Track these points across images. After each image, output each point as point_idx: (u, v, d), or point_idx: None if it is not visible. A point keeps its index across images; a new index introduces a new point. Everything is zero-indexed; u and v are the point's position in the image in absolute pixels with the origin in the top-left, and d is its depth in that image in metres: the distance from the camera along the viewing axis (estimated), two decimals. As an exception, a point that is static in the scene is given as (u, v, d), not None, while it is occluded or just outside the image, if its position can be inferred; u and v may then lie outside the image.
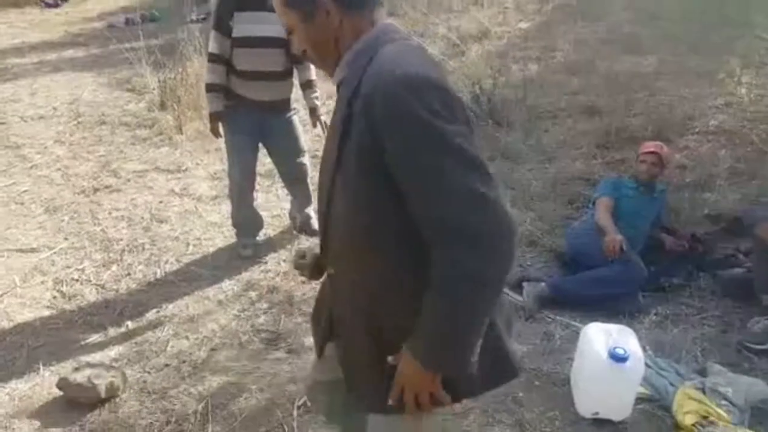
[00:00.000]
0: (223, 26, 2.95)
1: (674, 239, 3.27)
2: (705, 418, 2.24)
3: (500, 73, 5.15)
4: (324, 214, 1.30)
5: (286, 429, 2.22)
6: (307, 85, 3.28)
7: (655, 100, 4.81)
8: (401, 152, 1.11)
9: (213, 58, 3.02)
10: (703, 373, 2.49)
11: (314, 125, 3.40)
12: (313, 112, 3.32)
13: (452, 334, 1.13)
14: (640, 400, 2.35)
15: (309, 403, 2.11)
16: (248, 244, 3.39)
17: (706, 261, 3.21)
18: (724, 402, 2.29)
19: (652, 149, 3.24)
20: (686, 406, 2.28)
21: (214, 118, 3.09)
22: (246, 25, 2.93)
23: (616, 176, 3.63)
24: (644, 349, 2.63)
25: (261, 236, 3.53)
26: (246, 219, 3.39)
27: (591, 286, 2.91)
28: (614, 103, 4.79)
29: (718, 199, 3.71)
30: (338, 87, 1.26)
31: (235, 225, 3.42)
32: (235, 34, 2.94)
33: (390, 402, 1.23)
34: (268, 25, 2.88)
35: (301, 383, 2.33)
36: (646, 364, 2.48)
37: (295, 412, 2.27)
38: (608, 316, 2.72)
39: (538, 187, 4.03)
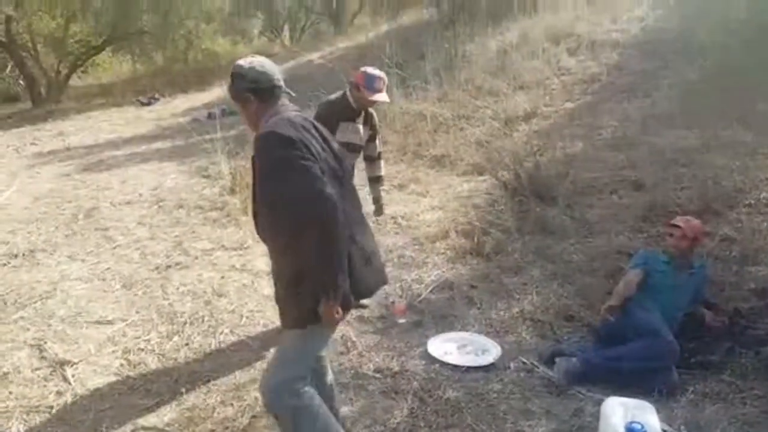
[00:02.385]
0: None
1: (714, 314, 3.22)
2: (734, 499, 2.19)
3: (543, 150, 5.31)
4: (255, 214, 2.22)
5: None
6: (376, 180, 3.92)
7: (702, 173, 4.78)
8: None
9: None
10: (736, 453, 2.43)
11: (377, 212, 3.96)
12: (377, 201, 3.94)
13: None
14: (668, 478, 2.33)
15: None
16: None
17: (749, 337, 3.13)
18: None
19: (675, 223, 3.28)
20: (715, 486, 2.23)
21: None
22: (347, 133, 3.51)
23: (650, 250, 3.65)
24: (678, 428, 2.61)
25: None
26: None
27: (622, 361, 2.92)
28: (659, 178, 4.81)
29: (766, 273, 3.62)
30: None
31: None
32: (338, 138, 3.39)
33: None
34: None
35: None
36: (675, 442, 2.46)
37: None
38: (642, 393, 2.71)
39: (579, 261, 4.09)
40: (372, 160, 3.87)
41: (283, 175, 1.97)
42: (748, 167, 4.73)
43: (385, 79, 3.51)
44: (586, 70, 7.79)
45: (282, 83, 2.18)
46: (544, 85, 7.57)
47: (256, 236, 5.27)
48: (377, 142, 3.83)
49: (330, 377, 2.47)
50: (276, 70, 2.19)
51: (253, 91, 2.13)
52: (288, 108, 2.16)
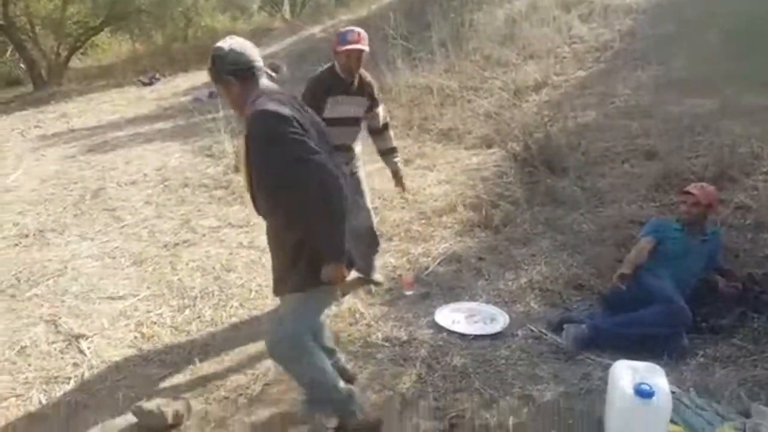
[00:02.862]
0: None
1: (727, 281, 3.21)
2: (744, 459, 2.20)
3: (553, 120, 5.24)
4: (251, 190, 2.23)
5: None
6: (389, 152, 3.71)
7: (718, 140, 4.68)
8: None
9: None
10: (746, 414, 2.44)
11: (398, 185, 3.78)
12: (396, 173, 3.74)
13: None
14: (677, 440, 2.34)
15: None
16: None
17: (762, 302, 3.12)
18: (764, 443, 2.23)
19: (688, 190, 3.25)
20: (724, 446, 2.25)
21: None
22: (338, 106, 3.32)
23: (662, 218, 3.63)
24: (688, 390, 2.62)
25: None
26: None
27: (631, 327, 2.93)
28: (674, 146, 4.74)
29: (780, 239, 3.59)
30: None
31: None
32: (328, 114, 3.19)
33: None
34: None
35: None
36: (685, 404, 2.48)
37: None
38: (651, 358, 2.70)
39: (590, 231, 4.07)
40: (378, 132, 3.65)
41: (280, 150, 2.04)
42: (766, 133, 4.63)
43: (361, 32, 3.29)
44: (599, 37, 7.55)
45: (261, 63, 2.22)
46: (555, 53, 7.38)
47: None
48: (380, 111, 3.59)
49: (328, 334, 2.69)
50: (255, 51, 2.23)
51: (233, 74, 2.17)
52: (271, 88, 2.21)
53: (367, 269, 3.73)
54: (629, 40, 7.30)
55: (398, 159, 3.77)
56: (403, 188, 3.85)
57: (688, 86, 5.83)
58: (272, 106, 2.07)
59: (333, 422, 2.47)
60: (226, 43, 2.21)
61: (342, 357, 2.78)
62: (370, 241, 3.72)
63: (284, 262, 2.26)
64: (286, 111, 2.08)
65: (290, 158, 2.03)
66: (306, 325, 2.32)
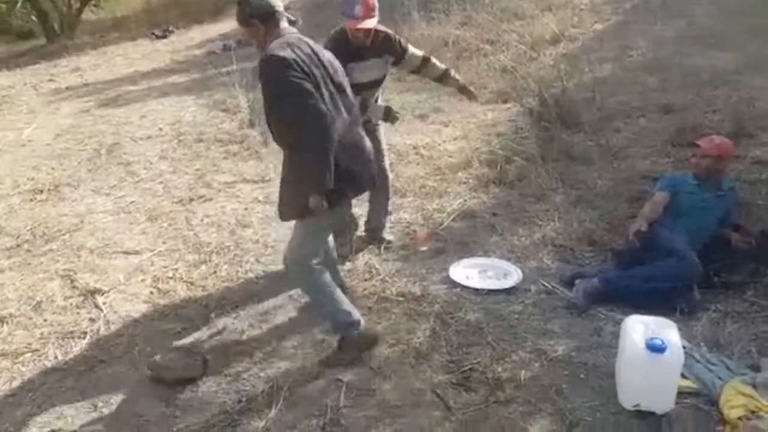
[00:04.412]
0: None
1: (741, 236, 3.17)
2: (753, 413, 2.22)
3: (570, 75, 5.13)
4: (266, 121, 2.55)
5: (333, 410, 2.47)
6: (444, 76, 3.50)
7: (736, 95, 4.59)
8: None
9: None
10: (756, 368, 2.45)
11: (471, 97, 3.62)
12: (463, 88, 3.56)
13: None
14: (687, 394, 2.36)
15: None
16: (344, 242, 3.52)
17: (775, 258, 3.09)
18: (775, 397, 2.25)
19: (696, 142, 3.19)
20: (734, 400, 2.26)
21: None
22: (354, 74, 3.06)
23: (678, 173, 3.57)
24: (698, 345, 2.63)
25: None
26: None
27: (642, 281, 2.92)
28: (691, 100, 4.64)
29: (797, 195, 3.53)
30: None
31: None
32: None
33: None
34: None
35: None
36: (695, 358, 2.50)
37: (342, 397, 2.53)
38: (662, 312, 2.70)
39: (604, 186, 4.04)
40: (421, 68, 3.44)
41: (279, 89, 2.37)
42: (785, 88, 4.53)
43: (369, 1, 3.02)
44: (617, -12, 7.37)
45: (282, 8, 2.52)
46: (573, 5, 7.21)
47: (277, 169, 5.32)
48: (411, 53, 3.35)
49: (333, 255, 3.03)
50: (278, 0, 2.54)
51: (258, 17, 2.46)
52: (289, 30, 2.52)
53: (378, 227, 3.74)
54: (649, -9, 7.10)
55: (456, 76, 3.57)
56: (474, 97, 3.66)
57: (707, 40, 5.70)
58: (278, 51, 2.37)
59: (336, 337, 2.77)
60: None
61: (342, 270, 3.21)
62: (384, 200, 3.70)
63: (286, 191, 2.63)
64: (288, 53, 2.36)
65: (286, 97, 2.36)
66: (311, 247, 2.67)
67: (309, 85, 2.36)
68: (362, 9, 3.02)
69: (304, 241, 2.66)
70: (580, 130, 4.67)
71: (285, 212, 2.68)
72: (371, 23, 3.07)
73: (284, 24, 2.52)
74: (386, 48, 3.29)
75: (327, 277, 2.72)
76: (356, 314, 2.75)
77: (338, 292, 2.75)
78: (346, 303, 2.75)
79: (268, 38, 2.47)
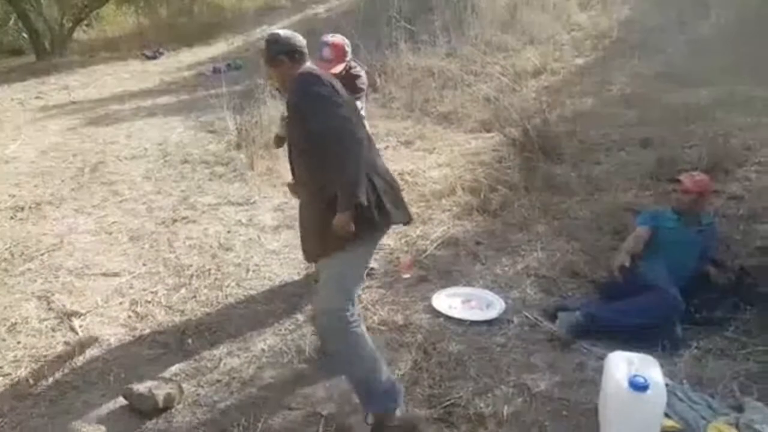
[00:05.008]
0: None
1: (720, 271, 3.20)
2: (735, 453, 2.21)
3: (551, 106, 5.22)
4: (290, 160, 2.56)
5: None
6: None
7: (712, 130, 4.70)
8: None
9: None
10: (739, 409, 2.44)
11: None
12: None
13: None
14: (669, 432, 2.34)
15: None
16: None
17: (755, 294, 3.12)
18: (757, 439, 2.24)
19: (678, 178, 3.23)
20: (717, 440, 2.25)
21: None
22: None
23: (658, 207, 3.61)
24: (680, 382, 2.62)
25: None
26: None
27: (625, 316, 2.92)
28: (669, 135, 4.73)
29: (774, 231, 3.59)
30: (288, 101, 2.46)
31: None
32: None
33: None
34: None
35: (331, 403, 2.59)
36: (678, 397, 2.48)
37: (321, 430, 2.47)
38: (645, 348, 2.70)
39: (586, 218, 4.07)
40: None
41: (319, 106, 2.30)
42: (760, 125, 4.65)
43: (337, 44, 3.19)
44: (597, 25, 7.65)
45: (306, 49, 2.53)
46: (554, 40, 7.42)
47: (263, 193, 5.33)
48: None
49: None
50: (301, 39, 2.56)
51: (286, 53, 2.48)
52: (310, 67, 2.51)
53: None
54: (627, 29, 7.38)
55: None
56: None
57: (683, 77, 5.88)
58: (315, 71, 2.42)
59: (370, 417, 2.36)
60: (279, 31, 2.61)
61: None
62: None
63: (319, 223, 2.34)
64: (325, 77, 2.38)
65: (325, 114, 2.28)
66: (346, 292, 2.34)
67: (346, 110, 2.33)
68: (328, 53, 3.16)
69: (337, 283, 2.33)
70: (562, 161, 4.73)
71: (319, 250, 2.43)
72: (336, 68, 3.17)
73: (309, 62, 2.52)
74: (351, 84, 3.26)
75: (366, 334, 2.38)
76: (399, 386, 2.43)
77: (379, 356, 2.41)
78: (386, 370, 2.40)
79: (291, 74, 2.46)
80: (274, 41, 2.51)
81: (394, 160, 5.33)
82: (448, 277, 3.65)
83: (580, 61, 6.90)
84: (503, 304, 3.28)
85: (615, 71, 6.37)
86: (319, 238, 2.38)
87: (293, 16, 12.69)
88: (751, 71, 5.50)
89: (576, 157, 4.75)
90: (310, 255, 2.60)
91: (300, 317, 3.29)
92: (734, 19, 6.57)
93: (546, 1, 8.25)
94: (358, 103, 3.34)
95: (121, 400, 2.67)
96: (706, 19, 6.85)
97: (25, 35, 14.02)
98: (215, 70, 9.40)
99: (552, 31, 7.63)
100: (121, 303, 3.52)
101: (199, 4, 15.67)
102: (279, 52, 2.48)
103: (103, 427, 2.58)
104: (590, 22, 7.75)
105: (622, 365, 2.32)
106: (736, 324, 3.00)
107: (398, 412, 2.35)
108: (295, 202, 4.92)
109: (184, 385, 2.76)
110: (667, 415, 2.33)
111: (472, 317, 3.19)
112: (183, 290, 3.63)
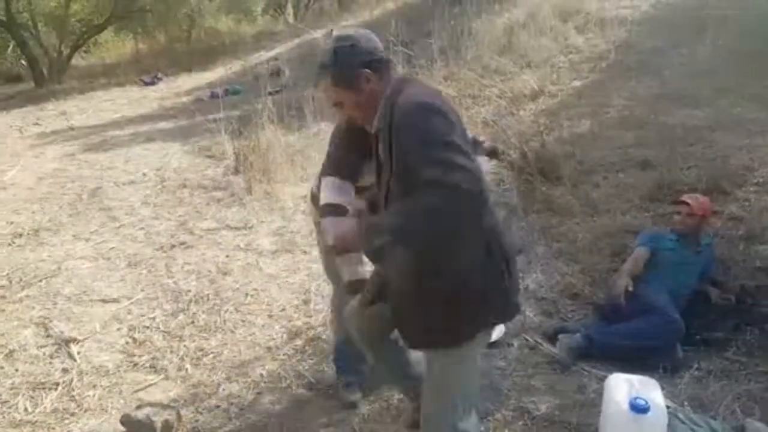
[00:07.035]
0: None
1: (721, 292, 3.20)
2: (738, 476, 2.19)
3: (549, 129, 5.26)
4: (386, 193, 1.74)
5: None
6: None
7: (710, 151, 4.73)
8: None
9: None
10: (741, 430, 2.43)
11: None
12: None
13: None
14: (671, 455, 2.32)
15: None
16: None
17: (755, 315, 3.11)
18: (758, 460, 2.22)
19: (682, 200, 3.25)
20: (718, 462, 2.23)
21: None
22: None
23: (657, 228, 3.62)
24: (682, 404, 2.61)
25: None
26: None
27: (626, 338, 2.91)
28: (667, 156, 4.75)
29: (773, 251, 3.59)
30: (377, 132, 1.72)
31: None
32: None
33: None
34: None
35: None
36: (679, 419, 2.46)
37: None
38: (646, 369, 2.69)
39: (585, 240, 4.06)
40: None
41: (449, 156, 1.51)
42: (758, 145, 4.68)
43: None
44: (594, 48, 7.69)
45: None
46: (552, 63, 7.47)
47: (261, 217, 5.27)
48: None
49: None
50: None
51: (370, 65, 1.69)
52: (403, 77, 1.75)
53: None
54: (624, 52, 7.41)
55: None
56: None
57: (680, 98, 5.91)
58: (424, 98, 1.62)
59: None
60: (351, 30, 1.76)
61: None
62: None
63: (434, 310, 1.73)
64: (453, 117, 1.63)
65: (460, 172, 1.50)
66: (467, 401, 1.85)
67: (474, 166, 1.55)
68: None
69: (461, 387, 1.83)
70: (561, 183, 4.74)
71: (428, 338, 1.81)
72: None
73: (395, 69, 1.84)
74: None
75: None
76: None
77: None
78: None
79: (378, 95, 1.70)
80: (348, 48, 1.69)
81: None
82: (447, 300, 3.63)
83: (577, 83, 6.94)
84: (502, 328, 3.25)
85: (613, 93, 6.40)
86: (427, 325, 1.77)
87: (291, 41, 12.85)
88: (748, 92, 5.56)
89: (575, 179, 4.76)
90: (414, 342, 1.90)
91: (299, 342, 3.27)
92: (731, 41, 6.63)
93: (543, 24, 8.33)
94: None
95: (120, 427, 2.64)
96: (703, 41, 6.91)
97: (23, 62, 14.18)
98: (213, 95, 9.49)
99: (549, 54, 7.69)
100: (119, 329, 3.50)
101: (196, 29, 15.91)
102: (359, 63, 1.68)
103: (100, 456, 2.55)
104: (587, 45, 7.81)
105: (623, 387, 2.30)
106: (737, 345, 2.98)
107: None
108: (294, 226, 4.92)
109: (182, 412, 2.73)
110: (669, 438, 2.31)
111: (472, 340, 3.17)
112: (181, 316, 3.62)
